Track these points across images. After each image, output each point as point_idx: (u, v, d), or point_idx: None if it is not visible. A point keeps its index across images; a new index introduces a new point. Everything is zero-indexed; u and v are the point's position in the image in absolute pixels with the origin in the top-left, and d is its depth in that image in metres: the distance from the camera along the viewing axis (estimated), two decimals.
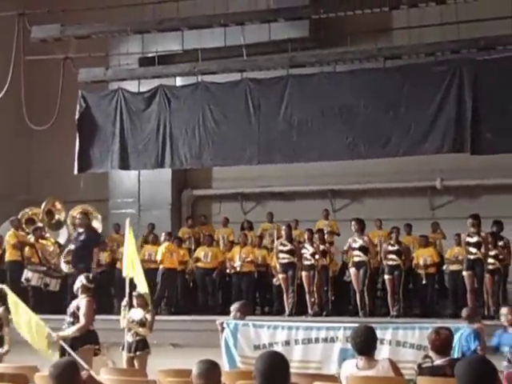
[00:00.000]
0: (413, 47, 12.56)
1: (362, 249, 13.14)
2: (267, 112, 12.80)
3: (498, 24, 12.12)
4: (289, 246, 13.65)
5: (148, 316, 9.85)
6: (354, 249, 13.24)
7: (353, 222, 13.27)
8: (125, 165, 13.70)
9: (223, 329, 9.60)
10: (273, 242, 15.04)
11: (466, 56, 12.21)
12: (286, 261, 13.61)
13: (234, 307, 9.82)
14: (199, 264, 14.93)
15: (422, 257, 13.86)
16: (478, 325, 8.23)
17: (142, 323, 9.83)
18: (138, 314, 9.93)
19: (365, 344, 6.13)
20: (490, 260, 12.49)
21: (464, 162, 14.20)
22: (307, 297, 13.41)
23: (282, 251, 13.68)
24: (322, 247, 13.75)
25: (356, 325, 6.63)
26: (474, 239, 12.51)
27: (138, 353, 9.75)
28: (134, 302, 10.01)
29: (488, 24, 12.41)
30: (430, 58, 12.48)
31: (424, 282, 13.68)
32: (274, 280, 14.30)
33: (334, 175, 16.39)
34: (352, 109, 12.35)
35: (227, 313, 10.71)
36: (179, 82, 14.23)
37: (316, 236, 13.92)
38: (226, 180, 17.56)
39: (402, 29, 13.23)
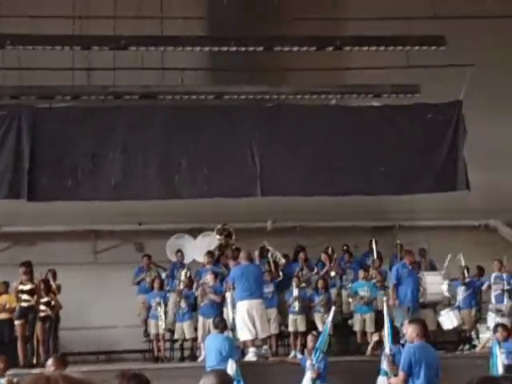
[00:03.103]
0: None
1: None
2: None
3: (59, 75, 12.40)
4: None
5: None
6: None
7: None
8: None
9: None
10: None
11: (26, 102, 12.26)
12: None
13: None
14: None
15: None
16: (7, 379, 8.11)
17: None
18: None
19: None
20: (42, 307, 12.51)
21: (21, 207, 14.06)
22: None
23: None
24: None
25: None
26: (27, 286, 12.43)
27: None
28: None
29: (49, 73, 12.64)
30: None
31: None
32: None
33: None
34: None
35: None
36: None
37: None
38: None
39: None
